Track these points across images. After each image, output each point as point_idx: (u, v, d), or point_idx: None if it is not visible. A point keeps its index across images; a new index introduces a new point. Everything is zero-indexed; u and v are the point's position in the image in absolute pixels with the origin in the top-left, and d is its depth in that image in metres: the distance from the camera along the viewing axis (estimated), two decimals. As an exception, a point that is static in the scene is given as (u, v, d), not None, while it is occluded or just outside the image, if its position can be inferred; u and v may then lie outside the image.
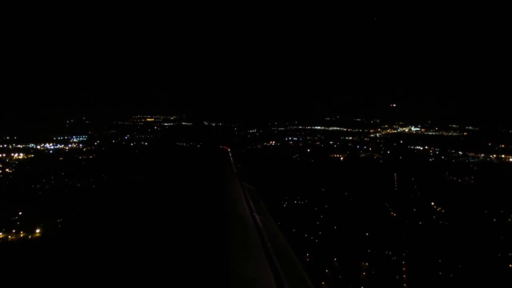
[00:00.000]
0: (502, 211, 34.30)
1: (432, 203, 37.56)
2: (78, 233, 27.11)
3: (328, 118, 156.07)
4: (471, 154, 66.51)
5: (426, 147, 76.45)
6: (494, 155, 64.67)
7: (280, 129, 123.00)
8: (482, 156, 64.37)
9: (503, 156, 64.37)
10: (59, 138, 70.88)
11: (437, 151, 71.32)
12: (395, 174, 50.33)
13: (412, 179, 48.16)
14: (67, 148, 62.65)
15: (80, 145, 66.25)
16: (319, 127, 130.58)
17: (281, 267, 2.27)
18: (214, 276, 2.11)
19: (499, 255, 25.57)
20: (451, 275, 22.84)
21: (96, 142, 69.56)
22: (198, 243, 2.71)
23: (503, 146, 73.85)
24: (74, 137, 73.66)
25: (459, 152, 68.31)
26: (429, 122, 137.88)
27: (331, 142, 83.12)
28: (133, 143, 73.27)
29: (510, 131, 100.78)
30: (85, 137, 74.58)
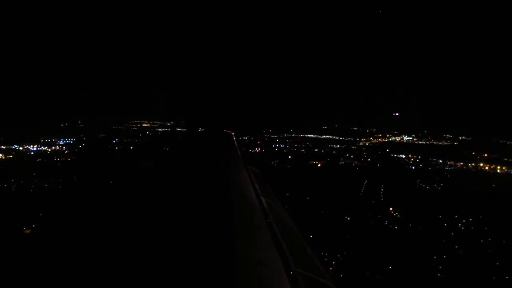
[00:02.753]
0: (456, 216, 34.60)
1: (391, 209, 37.91)
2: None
3: (325, 127, 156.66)
4: (451, 162, 66.66)
5: (409, 156, 76.70)
6: (472, 164, 64.76)
7: (272, 136, 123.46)
8: (460, 165, 64.51)
9: (481, 164, 64.46)
10: (46, 140, 72.43)
11: (417, 159, 71.50)
12: (366, 181, 50.69)
13: (382, 185, 48.48)
14: (49, 150, 64.03)
15: (64, 147, 67.62)
16: (312, 135, 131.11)
17: (288, 249, 2.26)
18: (221, 259, 2.11)
19: (435, 257, 25.91)
20: (378, 276, 23.21)
21: (81, 145, 70.93)
22: (204, 226, 2.73)
23: (486, 155, 73.81)
24: (61, 139, 75.16)
25: (440, 161, 68.48)
26: (425, 131, 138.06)
27: (316, 150, 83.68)
28: (117, 147, 74.47)
29: (502, 141, 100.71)
30: (72, 140, 76.04)
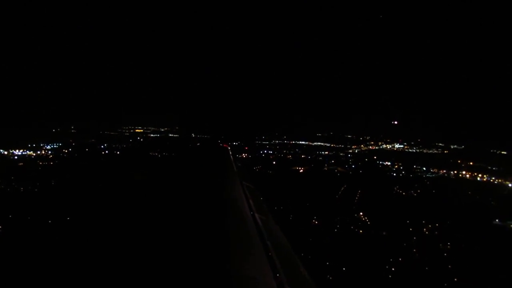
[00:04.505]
0: (423, 222, 34.79)
1: (361, 213, 38.09)
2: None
3: (319, 134, 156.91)
4: (434, 170, 67.03)
5: (395, 163, 77.03)
6: (455, 172, 65.10)
7: (264, 142, 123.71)
8: (443, 172, 64.87)
9: (463, 172, 64.80)
10: (33, 145, 72.84)
11: (402, 166, 71.87)
12: (344, 186, 50.90)
13: (359, 191, 48.67)
14: (34, 154, 64.39)
15: (49, 152, 68.02)
16: (303, 142, 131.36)
17: (282, 266, 2.24)
18: (215, 275, 2.07)
19: (391, 259, 26.05)
20: (330, 277, 23.33)
21: (66, 150, 71.37)
22: (198, 242, 2.70)
23: (471, 163, 74.12)
24: (48, 144, 75.51)
25: (423, 168, 68.84)
26: (418, 140, 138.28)
27: (303, 156, 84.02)
28: (104, 152, 74.89)
29: (493, 151, 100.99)
30: (58, 145, 76.41)
